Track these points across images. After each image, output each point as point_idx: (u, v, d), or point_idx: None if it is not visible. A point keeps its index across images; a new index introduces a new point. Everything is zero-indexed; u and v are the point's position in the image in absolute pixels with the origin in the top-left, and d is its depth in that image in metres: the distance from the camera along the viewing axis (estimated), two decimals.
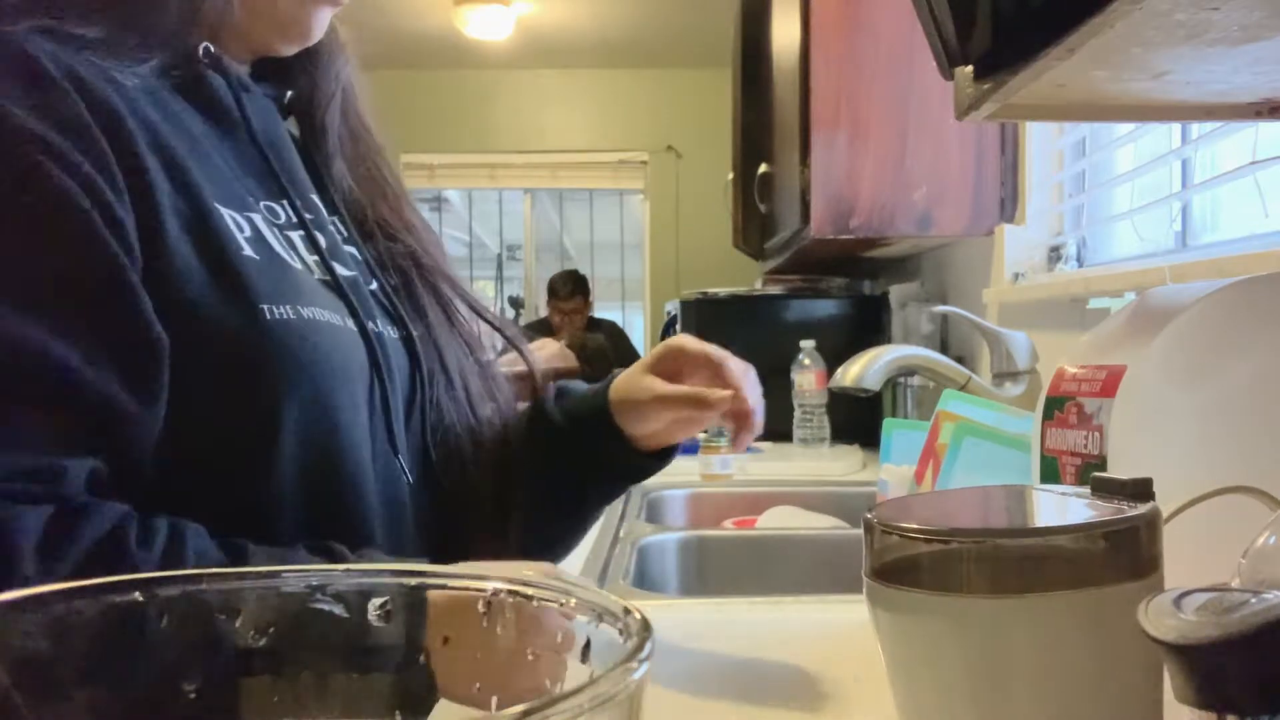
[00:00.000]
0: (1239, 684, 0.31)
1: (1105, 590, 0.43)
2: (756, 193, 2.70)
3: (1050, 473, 0.71)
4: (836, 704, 0.72)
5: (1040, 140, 1.94)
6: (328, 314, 0.79)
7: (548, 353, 4.88)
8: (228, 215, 0.76)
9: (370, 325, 0.83)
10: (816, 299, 2.69)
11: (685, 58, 5.48)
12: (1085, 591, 0.43)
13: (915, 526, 0.45)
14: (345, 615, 0.33)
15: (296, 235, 0.82)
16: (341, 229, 0.90)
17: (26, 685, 0.29)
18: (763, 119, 2.74)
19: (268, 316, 0.74)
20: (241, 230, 0.76)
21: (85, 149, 0.68)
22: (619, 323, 5.96)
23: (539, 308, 6.12)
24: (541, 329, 5.37)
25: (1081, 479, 0.64)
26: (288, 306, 0.75)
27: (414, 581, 0.34)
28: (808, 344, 2.37)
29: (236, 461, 0.72)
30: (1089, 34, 0.54)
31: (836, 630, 0.88)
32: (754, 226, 3.04)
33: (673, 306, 2.88)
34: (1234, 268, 1.11)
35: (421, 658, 0.34)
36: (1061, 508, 0.49)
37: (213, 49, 0.80)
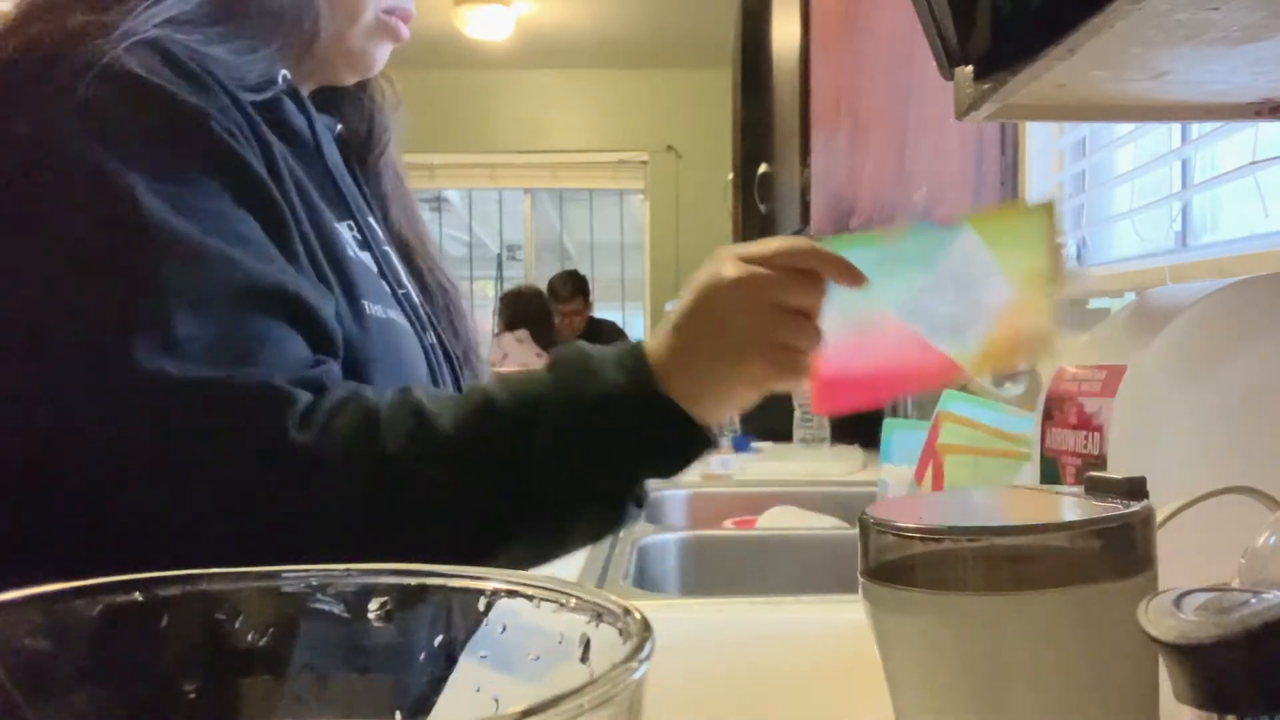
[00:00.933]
0: (1239, 684, 0.31)
1: (1099, 588, 0.43)
2: (756, 193, 2.71)
3: (1050, 473, 0.71)
4: (836, 704, 0.72)
5: (1040, 140, 1.94)
6: (404, 321, 0.84)
7: (521, 356, 4.78)
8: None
9: (429, 338, 0.88)
10: None
11: (685, 58, 5.48)
12: (1079, 589, 0.43)
13: (910, 525, 0.45)
14: (345, 615, 0.33)
15: (366, 255, 0.86)
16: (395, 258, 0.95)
17: (26, 685, 0.29)
18: (763, 119, 2.74)
19: (369, 312, 0.78)
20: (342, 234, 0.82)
21: (240, 129, 0.74)
22: (619, 323, 5.96)
23: None
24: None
25: (1081, 479, 0.64)
26: (380, 307, 0.80)
27: (414, 581, 0.34)
28: None
29: None
30: (1089, 34, 0.54)
31: (836, 630, 0.88)
32: (754, 226, 3.04)
33: (672, 306, 2.87)
34: (1234, 268, 1.11)
35: (422, 655, 0.34)
36: (1056, 507, 0.49)
37: (289, 76, 0.83)
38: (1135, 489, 0.46)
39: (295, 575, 0.33)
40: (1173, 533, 0.48)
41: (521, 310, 4.93)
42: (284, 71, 0.82)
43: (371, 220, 0.92)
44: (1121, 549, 0.44)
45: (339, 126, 0.94)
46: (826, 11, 2.05)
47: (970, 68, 0.68)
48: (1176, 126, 1.48)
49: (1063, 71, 0.61)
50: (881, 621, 0.47)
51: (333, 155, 0.89)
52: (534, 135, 5.93)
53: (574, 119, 5.95)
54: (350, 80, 0.93)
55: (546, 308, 5.05)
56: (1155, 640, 0.32)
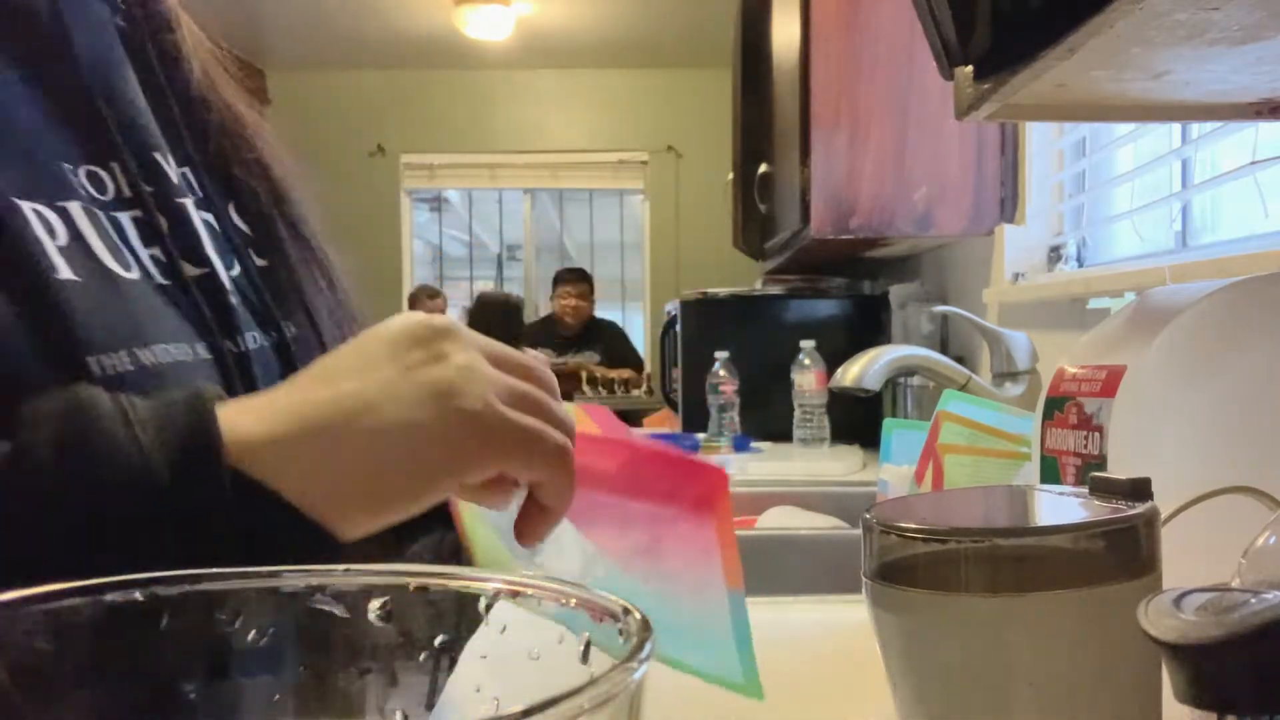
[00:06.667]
0: (1239, 684, 0.31)
1: (1103, 590, 0.43)
2: (756, 193, 2.70)
3: (1050, 473, 0.71)
4: (837, 704, 0.72)
5: (1040, 140, 1.94)
6: (175, 349, 0.58)
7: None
8: (33, 214, 0.54)
9: (229, 345, 0.62)
10: (816, 299, 2.69)
11: (685, 58, 5.48)
12: (1083, 591, 0.43)
13: (914, 526, 0.45)
14: (345, 615, 0.33)
15: (128, 217, 0.60)
16: (195, 184, 0.66)
17: (26, 685, 0.29)
18: (763, 119, 2.74)
19: (97, 372, 0.52)
20: (54, 236, 0.55)
21: None
22: (619, 323, 5.96)
23: (539, 308, 6.12)
24: (545, 326, 5.36)
25: (1081, 479, 0.64)
26: (123, 353, 0.54)
27: (414, 581, 0.34)
28: (808, 344, 2.37)
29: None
30: (1089, 34, 0.54)
31: (836, 630, 0.88)
32: (754, 226, 3.04)
33: (673, 306, 2.87)
34: (1234, 268, 1.11)
35: (422, 655, 0.34)
36: (1060, 507, 0.49)
37: None
38: (1140, 490, 0.46)
39: (295, 575, 0.33)
40: (1173, 533, 0.48)
41: (485, 320, 4.70)
42: None
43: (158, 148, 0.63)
44: (1126, 550, 0.44)
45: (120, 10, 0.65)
46: (826, 11, 2.05)
47: (970, 68, 0.68)
48: (1176, 126, 1.48)
49: (1063, 71, 0.61)
50: (884, 622, 0.47)
51: (97, 46, 0.61)
52: (534, 135, 5.93)
53: (574, 119, 5.95)
54: None
55: (514, 315, 4.91)
56: (1155, 640, 0.32)
